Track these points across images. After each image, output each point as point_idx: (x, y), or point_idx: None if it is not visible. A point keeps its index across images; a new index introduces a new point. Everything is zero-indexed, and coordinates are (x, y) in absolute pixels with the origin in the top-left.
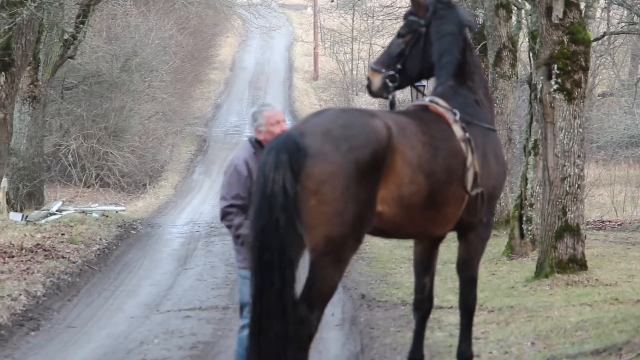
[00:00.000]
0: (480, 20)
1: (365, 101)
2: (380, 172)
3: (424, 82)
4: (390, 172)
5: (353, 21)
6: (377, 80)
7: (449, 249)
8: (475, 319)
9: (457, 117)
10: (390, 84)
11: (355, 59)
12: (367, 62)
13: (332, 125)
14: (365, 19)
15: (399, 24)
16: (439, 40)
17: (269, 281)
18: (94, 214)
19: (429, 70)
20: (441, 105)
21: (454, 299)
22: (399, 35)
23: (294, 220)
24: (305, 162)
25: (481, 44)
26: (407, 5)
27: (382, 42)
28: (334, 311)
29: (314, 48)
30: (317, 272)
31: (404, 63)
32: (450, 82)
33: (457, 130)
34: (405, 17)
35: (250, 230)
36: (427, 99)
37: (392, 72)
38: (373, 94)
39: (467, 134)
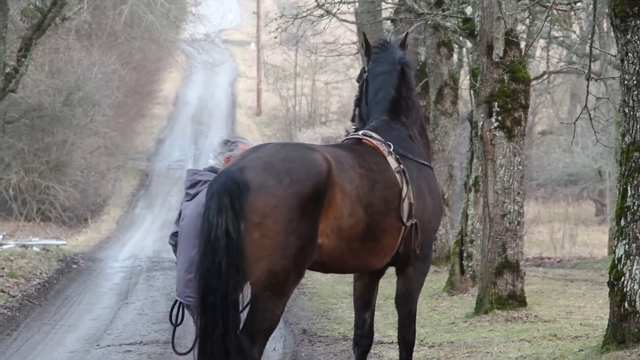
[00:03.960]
0: (422, 58)
1: (307, 137)
2: (320, 205)
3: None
4: (330, 205)
5: (296, 57)
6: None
7: (390, 285)
8: (416, 355)
9: (391, 149)
10: (350, 132)
11: (299, 94)
12: (310, 97)
13: (273, 159)
14: (308, 55)
15: (341, 61)
16: (373, 80)
17: (213, 324)
18: (34, 248)
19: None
20: (375, 138)
21: (394, 334)
22: (358, 82)
23: (237, 263)
24: (247, 197)
25: (423, 82)
26: (350, 42)
27: (325, 78)
28: (275, 346)
29: (257, 84)
30: (258, 305)
31: (359, 108)
32: (384, 116)
33: (392, 161)
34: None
35: (195, 274)
36: (360, 133)
37: (357, 114)
38: None
39: (402, 166)
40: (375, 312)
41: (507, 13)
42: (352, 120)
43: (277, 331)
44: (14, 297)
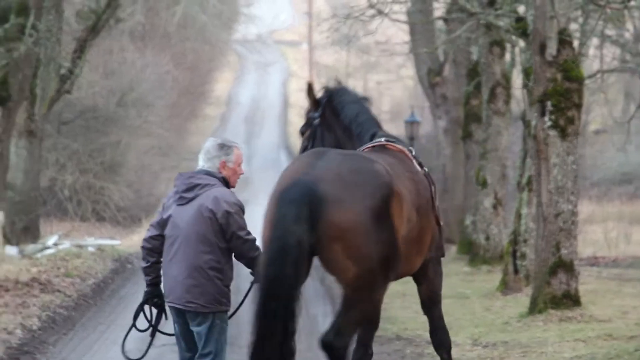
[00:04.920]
0: (475, 57)
1: None
2: (390, 214)
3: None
4: (396, 213)
5: (348, 57)
6: None
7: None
8: (470, 354)
9: (413, 153)
10: None
11: None
12: None
13: (341, 170)
14: (360, 55)
15: (393, 61)
16: (344, 109)
17: (272, 330)
18: (89, 248)
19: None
20: (399, 142)
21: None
22: (301, 133)
23: (303, 274)
24: (325, 210)
25: (475, 81)
26: (402, 41)
27: (377, 77)
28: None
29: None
30: (350, 305)
31: None
32: (381, 131)
33: (417, 165)
34: (306, 114)
35: (261, 278)
36: (383, 139)
37: None
38: None
39: (425, 168)
40: (397, 304)
41: (560, 12)
42: None
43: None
44: (69, 296)
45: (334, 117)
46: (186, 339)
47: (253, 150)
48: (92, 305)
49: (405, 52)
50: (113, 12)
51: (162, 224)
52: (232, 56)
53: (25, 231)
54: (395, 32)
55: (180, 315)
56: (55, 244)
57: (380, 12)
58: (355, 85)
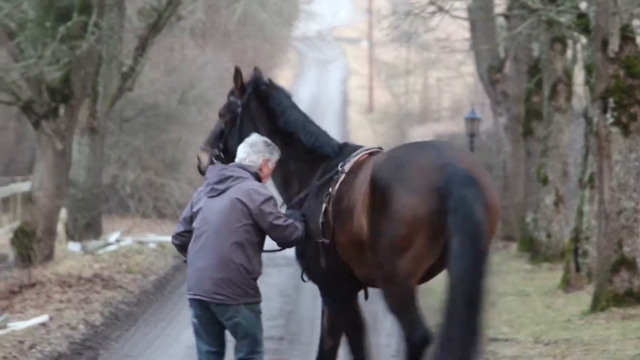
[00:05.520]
0: (536, 54)
1: (419, 134)
2: None
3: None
4: None
5: (408, 54)
6: (205, 159)
7: (503, 281)
8: (531, 352)
9: None
10: (216, 162)
11: (410, 91)
12: (422, 94)
13: (472, 160)
14: (420, 52)
15: (453, 57)
16: (285, 113)
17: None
18: (151, 245)
19: None
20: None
21: (509, 330)
22: (220, 115)
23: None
24: (485, 195)
25: (536, 78)
26: (462, 38)
27: (437, 74)
28: (389, 342)
29: (369, 81)
30: None
31: (225, 142)
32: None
33: None
34: (228, 96)
35: (465, 258)
36: (375, 147)
37: (216, 152)
38: (203, 172)
39: None
40: (491, 309)
41: (623, 8)
42: (216, 155)
43: (391, 327)
44: (131, 292)
45: (263, 114)
46: (208, 333)
47: None
48: (153, 301)
49: (465, 48)
50: (174, 9)
51: (190, 218)
52: (291, 53)
53: (87, 228)
54: (455, 28)
55: (203, 309)
56: (117, 241)
57: (441, 9)
58: (415, 82)
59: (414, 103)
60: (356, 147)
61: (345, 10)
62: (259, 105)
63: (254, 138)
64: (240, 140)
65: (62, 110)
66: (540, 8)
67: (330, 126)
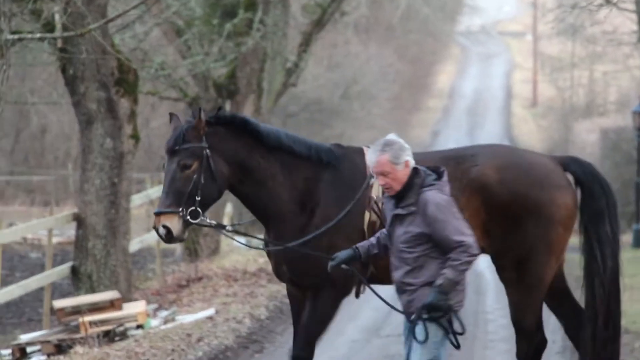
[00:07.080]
0: None
1: (585, 128)
2: None
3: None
4: None
5: (573, 47)
6: (176, 224)
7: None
8: None
9: None
10: (193, 222)
11: (575, 85)
12: (587, 88)
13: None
14: (585, 45)
15: (620, 50)
16: (262, 132)
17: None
18: None
19: (225, 183)
20: None
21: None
22: (184, 167)
23: None
24: None
25: None
26: (630, 31)
27: (603, 68)
28: (554, 338)
29: (534, 75)
30: None
31: (203, 192)
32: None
33: None
34: (173, 150)
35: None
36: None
37: (192, 208)
38: (176, 240)
39: None
40: (625, 297)
41: None
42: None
43: (556, 323)
44: None
45: (238, 141)
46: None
47: (475, 142)
48: None
49: (633, 41)
50: (338, 5)
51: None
52: (454, 48)
53: (252, 222)
54: (622, 21)
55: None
56: None
57: (608, 2)
58: (581, 75)
59: (579, 97)
60: (354, 149)
61: (509, 3)
62: (227, 135)
63: (399, 139)
64: (215, 181)
65: (227, 106)
66: None
67: (493, 121)
